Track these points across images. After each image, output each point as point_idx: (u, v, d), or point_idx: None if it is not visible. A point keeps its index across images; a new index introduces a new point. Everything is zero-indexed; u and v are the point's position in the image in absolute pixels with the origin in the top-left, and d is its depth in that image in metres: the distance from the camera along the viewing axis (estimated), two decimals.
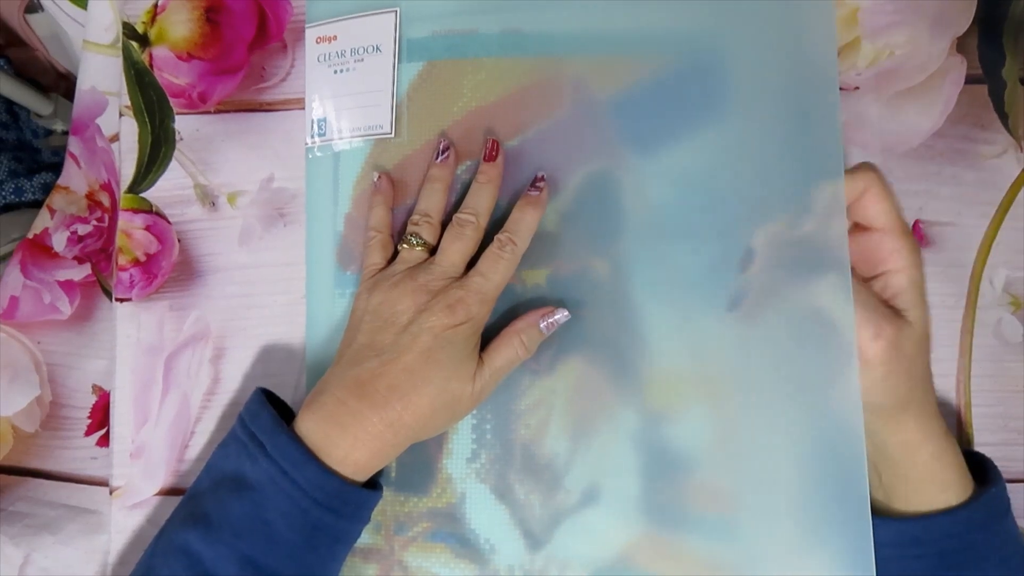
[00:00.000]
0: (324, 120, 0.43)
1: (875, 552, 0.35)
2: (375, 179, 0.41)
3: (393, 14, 0.42)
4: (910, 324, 0.34)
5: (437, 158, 0.40)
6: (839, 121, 0.38)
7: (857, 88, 0.44)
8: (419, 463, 0.40)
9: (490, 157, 0.39)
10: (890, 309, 0.35)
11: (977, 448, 0.42)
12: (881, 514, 0.36)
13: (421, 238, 0.38)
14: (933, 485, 0.34)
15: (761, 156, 0.39)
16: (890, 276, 0.35)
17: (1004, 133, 0.43)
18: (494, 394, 0.39)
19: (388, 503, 0.40)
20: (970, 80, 0.43)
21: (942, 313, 0.42)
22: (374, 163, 0.42)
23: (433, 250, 0.38)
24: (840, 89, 0.43)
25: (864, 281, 0.37)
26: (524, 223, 0.37)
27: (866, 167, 0.36)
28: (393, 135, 0.42)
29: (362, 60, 0.43)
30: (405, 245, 0.38)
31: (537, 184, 0.39)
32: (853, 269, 0.36)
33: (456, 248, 0.37)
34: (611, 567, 0.38)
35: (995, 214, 0.43)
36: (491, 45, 0.42)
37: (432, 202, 0.39)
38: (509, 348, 0.37)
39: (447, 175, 0.40)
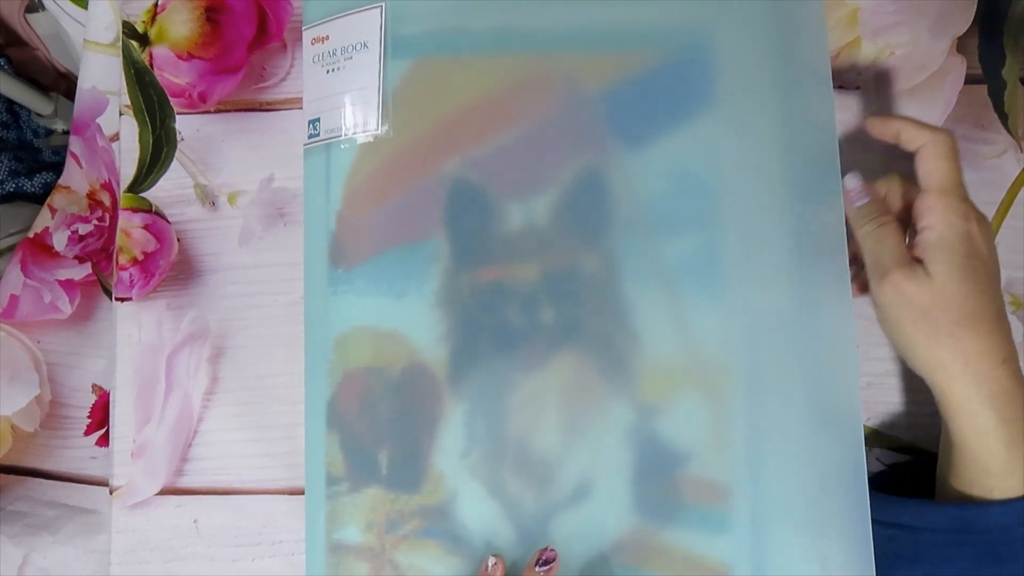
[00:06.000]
0: (318, 120, 0.43)
1: (922, 535, 0.35)
2: (489, 565, 0.37)
3: (378, 10, 0.42)
4: (928, 277, 0.34)
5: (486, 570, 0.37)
6: (832, 114, 0.38)
7: (858, 88, 0.44)
8: (410, 460, 0.40)
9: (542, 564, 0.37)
10: (913, 259, 0.35)
11: None
12: (939, 496, 0.35)
13: None
14: (998, 472, 0.33)
15: (749, 149, 0.39)
16: (923, 233, 0.36)
17: (1004, 133, 0.43)
18: (486, 389, 0.39)
19: (379, 501, 0.40)
20: (970, 80, 0.43)
21: None
22: (363, 161, 0.42)
23: None
24: (840, 88, 0.44)
25: (901, 232, 0.37)
26: None
27: (934, 129, 0.36)
28: (380, 132, 0.42)
29: (351, 58, 0.43)
30: None
31: (545, 560, 0.37)
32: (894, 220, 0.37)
33: None
34: (604, 562, 0.38)
35: (995, 214, 0.43)
36: (481, 42, 0.42)
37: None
38: None
39: None
